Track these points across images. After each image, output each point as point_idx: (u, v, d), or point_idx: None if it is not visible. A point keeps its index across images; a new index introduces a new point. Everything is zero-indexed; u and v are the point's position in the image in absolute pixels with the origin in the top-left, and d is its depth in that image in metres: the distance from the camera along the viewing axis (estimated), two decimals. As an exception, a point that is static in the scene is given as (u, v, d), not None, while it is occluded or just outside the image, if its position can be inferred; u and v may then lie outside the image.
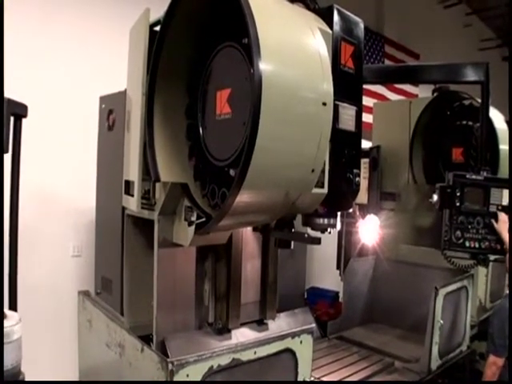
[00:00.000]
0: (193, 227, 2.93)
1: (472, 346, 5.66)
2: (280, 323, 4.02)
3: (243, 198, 2.39)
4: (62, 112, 4.74)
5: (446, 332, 4.22)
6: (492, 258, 4.64)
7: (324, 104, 2.54)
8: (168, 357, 2.71)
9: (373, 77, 4.53)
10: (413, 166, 5.79)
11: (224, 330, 3.61)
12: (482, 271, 5.32)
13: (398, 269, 5.24)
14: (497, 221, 4.19)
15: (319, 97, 2.53)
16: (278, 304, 4.19)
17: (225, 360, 2.24)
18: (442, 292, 3.99)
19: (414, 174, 5.79)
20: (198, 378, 2.15)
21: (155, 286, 3.16)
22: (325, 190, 2.85)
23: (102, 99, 3.99)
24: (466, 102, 5.76)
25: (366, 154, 5.78)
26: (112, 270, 3.73)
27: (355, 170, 3.07)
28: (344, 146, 2.98)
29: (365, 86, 8.08)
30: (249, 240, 3.80)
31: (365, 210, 5.45)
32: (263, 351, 2.39)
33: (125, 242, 3.54)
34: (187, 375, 2.11)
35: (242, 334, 3.61)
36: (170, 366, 2.08)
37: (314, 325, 2.66)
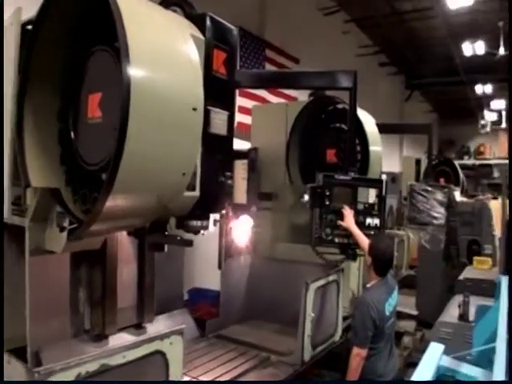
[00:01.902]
0: (65, 233, 2.86)
1: (348, 336, 5.99)
2: (158, 326, 4.02)
3: (114, 202, 2.40)
4: None
5: (319, 324, 4.42)
6: (362, 252, 4.94)
7: (194, 109, 2.62)
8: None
9: (249, 82, 4.65)
10: (289, 167, 6.02)
11: (101, 337, 3.57)
12: (353, 265, 5.63)
13: (274, 266, 5.40)
14: (343, 219, 4.49)
15: (190, 102, 2.59)
16: (157, 307, 4.20)
17: (93, 366, 2.22)
18: (313, 286, 4.18)
19: (291, 175, 6.03)
20: (66, 386, 2.13)
21: (27, 295, 3.02)
22: (197, 193, 2.93)
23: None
24: (340, 106, 6.06)
25: (245, 155, 5.93)
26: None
27: (227, 173, 3.17)
28: (216, 150, 3.07)
29: (244, 89, 8.25)
30: (124, 244, 3.78)
31: (243, 209, 5.60)
32: (132, 355, 2.40)
33: (-5, 250, 3.39)
34: (55, 384, 2.09)
35: (120, 340, 3.56)
36: (36, 375, 2.04)
37: (183, 326, 2.67)
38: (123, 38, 2.31)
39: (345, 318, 5.30)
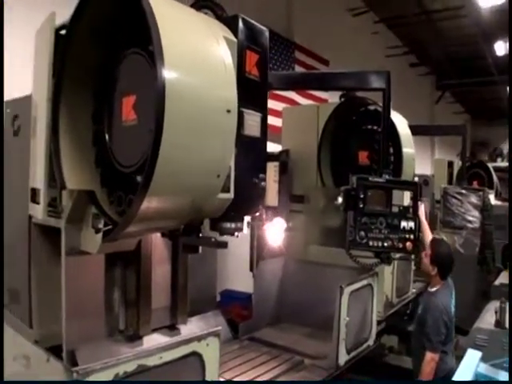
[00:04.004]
0: (100, 234, 2.89)
1: (381, 340, 5.93)
2: (191, 327, 4.03)
3: (149, 204, 2.41)
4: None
5: (353, 328, 4.37)
6: (397, 256, 4.88)
7: (228, 111, 2.61)
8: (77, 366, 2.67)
9: (280, 84, 4.64)
10: (321, 169, 5.99)
11: (135, 337, 3.60)
12: (387, 269, 5.55)
13: (307, 269, 5.39)
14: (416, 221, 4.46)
15: (224, 104, 2.59)
16: (190, 308, 4.21)
17: (131, 366, 2.23)
18: (347, 290, 4.14)
19: (323, 177, 5.99)
20: (104, 386, 2.15)
21: (63, 295, 3.07)
22: (231, 195, 2.92)
23: (7, 104, 3.86)
24: (371, 108, 6.01)
25: (277, 157, 5.93)
26: (19, 281, 3.57)
27: (261, 175, 3.15)
28: (249, 152, 3.05)
29: (274, 91, 8.24)
30: (158, 245, 3.80)
31: (275, 212, 5.60)
32: (169, 356, 2.40)
33: (32, 250, 3.43)
34: (92, 384, 2.10)
35: (154, 340, 3.59)
36: (74, 375, 2.06)
37: (220, 327, 2.67)
38: (157, 40, 2.32)
39: (379, 323, 5.26)
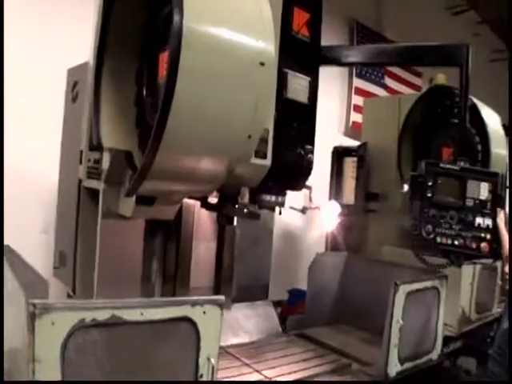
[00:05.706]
0: (134, 197, 2.77)
1: (458, 361, 5.38)
2: (235, 314, 3.79)
3: (164, 159, 2.25)
4: (31, 87, 4.64)
5: (411, 335, 3.81)
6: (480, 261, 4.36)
7: (262, 64, 2.35)
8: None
9: (347, 57, 4.29)
10: (401, 165, 5.56)
11: (170, 313, 3.44)
12: (466, 278, 5.02)
13: (372, 267, 4.91)
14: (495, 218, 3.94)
15: (256, 56, 2.34)
16: (239, 295, 3.99)
17: (102, 315, 1.98)
18: (404, 289, 3.60)
19: (402, 174, 5.55)
20: (66, 329, 1.88)
21: (97, 257, 3.00)
22: (267, 162, 2.71)
23: (70, 71, 3.92)
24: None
25: (355, 152, 5.64)
26: (68, 244, 3.56)
27: (308, 146, 2.89)
28: (293, 118, 2.82)
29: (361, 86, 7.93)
30: (203, 220, 3.61)
31: (351, 210, 5.34)
32: (152, 314, 2.12)
33: (80, 214, 3.40)
34: (52, 323, 1.85)
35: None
36: (31, 308, 1.82)
37: (222, 296, 2.37)
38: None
39: (449, 339, 4.72)
